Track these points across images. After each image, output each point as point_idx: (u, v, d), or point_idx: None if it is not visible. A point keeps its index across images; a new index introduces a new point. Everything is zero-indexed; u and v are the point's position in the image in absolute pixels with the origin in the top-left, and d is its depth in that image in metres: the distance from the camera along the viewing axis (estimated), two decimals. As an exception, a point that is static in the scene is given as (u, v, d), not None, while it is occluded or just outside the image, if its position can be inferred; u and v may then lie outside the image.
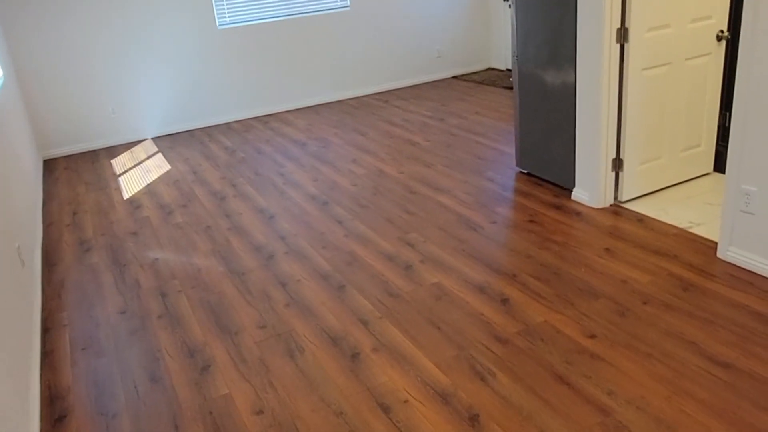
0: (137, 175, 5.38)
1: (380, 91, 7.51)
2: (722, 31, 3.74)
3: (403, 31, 7.39)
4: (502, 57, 7.86)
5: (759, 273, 2.90)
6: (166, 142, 6.29)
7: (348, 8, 7.03)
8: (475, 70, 8.02)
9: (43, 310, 3.35)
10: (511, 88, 6.90)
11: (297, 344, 2.79)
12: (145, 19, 6.16)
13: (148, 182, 5.15)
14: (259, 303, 3.16)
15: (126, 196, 4.90)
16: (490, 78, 7.51)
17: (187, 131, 6.64)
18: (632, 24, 3.42)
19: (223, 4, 6.44)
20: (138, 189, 5.02)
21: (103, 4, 5.96)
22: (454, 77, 7.85)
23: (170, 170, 5.40)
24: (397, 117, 6.30)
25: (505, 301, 2.92)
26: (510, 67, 7.78)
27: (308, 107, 7.13)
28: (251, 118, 6.89)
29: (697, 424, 2.09)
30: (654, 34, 3.51)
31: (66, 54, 5.95)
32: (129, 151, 6.15)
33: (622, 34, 3.46)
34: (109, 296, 3.40)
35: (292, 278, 3.36)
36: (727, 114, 3.99)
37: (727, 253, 3.03)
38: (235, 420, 2.37)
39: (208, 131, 6.55)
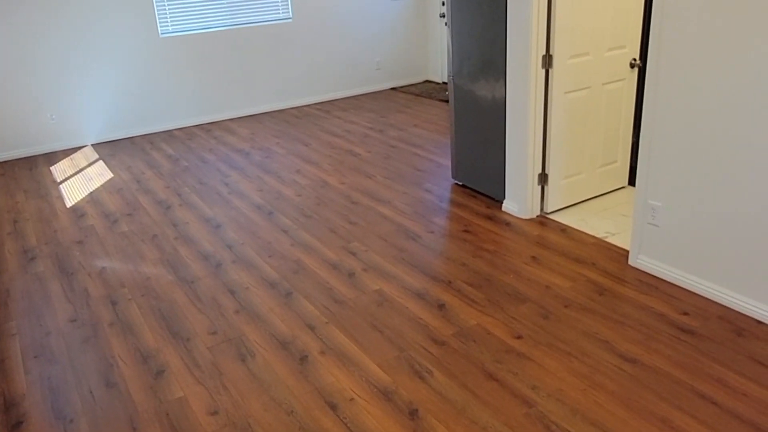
0: (79, 182, 5.39)
1: (321, 101, 7.71)
2: (635, 59, 4.13)
3: (343, 43, 7.61)
4: (438, 70, 8.19)
5: (664, 278, 3.26)
6: (107, 149, 6.29)
7: (290, 20, 7.20)
8: (412, 82, 8.32)
9: (-10, 319, 3.39)
10: (447, 101, 7.23)
11: (248, 349, 2.96)
12: (87, 24, 6.15)
13: (91, 190, 5.18)
14: (210, 310, 3.31)
15: (68, 204, 4.92)
16: (428, 90, 7.83)
17: (128, 138, 6.65)
18: (556, 52, 3.75)
19: (165, 13, 6.50)
20: (80, 197, 5.04)
21: (43, 7, 5.93)
22: (393, 89, 8.12)
23: (113, 178, 5.44)
24: (339, 128, 6.52)
25: (441, 306, 3.18)
26: (446, 81, 8.12)
27: (251, 116, 7.25)
28: (194, 126, 6.95)
29: (608, 413, 2.40)
30: (575, 60, 3.86)
31: (2, 57, 5.88)
32: (69, 158, 6.12)
33: (547, 61, 3.79)
34: (58, 305, 3.47)
35: (240, 286, 3.53)
36: (639, 133, 4.39)
37: (637, 260, 3.39)
38: (191, 420, 2.52)
39: (150, 139, 6.58)
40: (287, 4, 7.14)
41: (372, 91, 8.06)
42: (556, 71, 3.80)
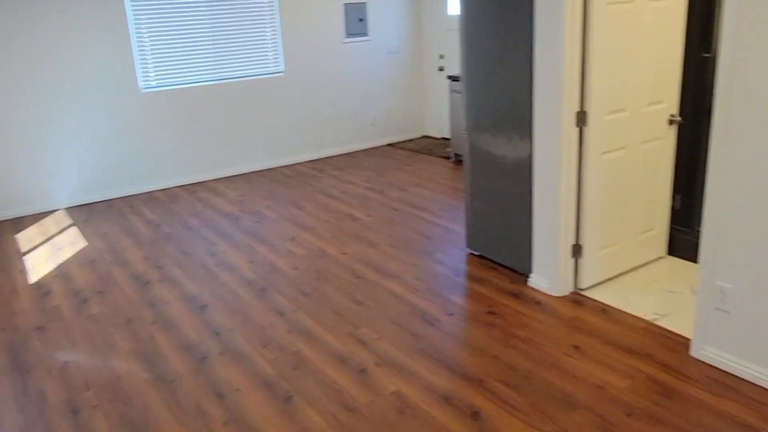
0: (46, 253, 4.80)
1: (315, 158, 7.24)
2: (673, 115, 3.70)
3: (337, 98, 7.20)
4: (438, 125, 7.79)
5: (739, 376, 2.73)
6: (82, 214, 5.73)
7: (282, 74, 6.79)
8: (410, 138, 7.91)
9: None
10: (449, 157, 6.79)
11: (240, 478, 2.36)
12: (61, 76, 5.68)
13: (60, 262, 4.59)
14: (192, 420, 2.71)
15: (32, 279, 4.33)
16: (427, 146, 7.40)
17: (105, 201, 6.10)
18: (591, 107, 3.31)
19: (147, 65, 6.05)
20: (47, 271, 4.45)
21: (16, 57, 5.46)
22: (389, 145, 7.69)
23: (85, 248, 4.86)
24: (335, 188, 6.03)
25: (475, 414, 2.62)
26: (446, 136, 7.72)
27: (239, 175, 6.74)
28: (177, 187, 6.43)
29: None
30: (611, 117, 3.41)
31: (-33, 117, 5.36)
32: (38, 223, 5.54)
33: (582, 118, 3.34)
34: (6, 413, 2.85)
35: (230, 387, 2.94)
36: (678, 197, 3.94)
37: (703, 352, 2.86)
38: None
39: (129, 201, 6.04)
40: (279, 57, 6.74)
41: (368, 147, 7.62)
42: (591, 129, 3.35)
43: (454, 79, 6.35)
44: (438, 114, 7.74)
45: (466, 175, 4.15)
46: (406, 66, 7.64)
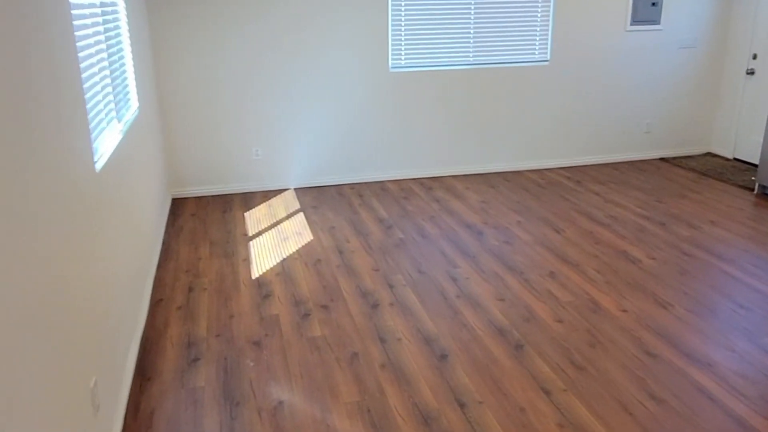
0: (272, 241, 4.36)
1: (569, 165, 6.14)
2: None
3: (608, 96, 6.00)
4: (729, 141, 6.23)
5: None
6: (311, 199, 5.28)
7: (546, 63, 5.76)
8: (689, 154, 6.45)
9: (112, 473, 2.30)
10: (752, 189, 5.28)
11: None
12: (310, 53, 5.23)
13: (284, 256, 4.11)
14: None
15: (255, 273, 3.87)
16: (715, 168, 5.92)
17: (335, 186, 5.62)
18: None
19: (400, 44, 5.39)
20: (270, 266, 3.98)
21: (266, 37, 5.10)
22: (662, 159, 6.32)
23: (312, 242, 4.34)
24: (598, 209, 4.91)
25: None
26: (739, 157, 6.14)
27: (479, 175, 5.89)
28: (410, 180, 5.76)
29: None
30: None
31: (215, 86, 5.12)
32: (267, 203, 5.19)
33: None
34: (206, 468, 2.28)
35: None
36: None
37: None
38: None
39: (359, 190, 5.48)
40: (546, 42, 5.72)
41: (635, 159, 6.33)
42: None
43: (779, 88, 4.85)
44: (732, 128, 6.19)
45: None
46: (701, 65, 6.17)
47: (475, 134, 5.80)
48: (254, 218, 4.84)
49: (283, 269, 3.93)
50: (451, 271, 3.85)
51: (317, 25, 5.18)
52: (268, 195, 5.40)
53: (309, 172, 5.56)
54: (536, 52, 5.74)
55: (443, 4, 5.36)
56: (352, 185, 5.63)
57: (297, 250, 4.21)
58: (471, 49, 5.57)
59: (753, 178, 5.48)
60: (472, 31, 5.50)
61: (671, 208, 4.90)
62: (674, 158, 6.31)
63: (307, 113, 5.38)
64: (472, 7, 5.43)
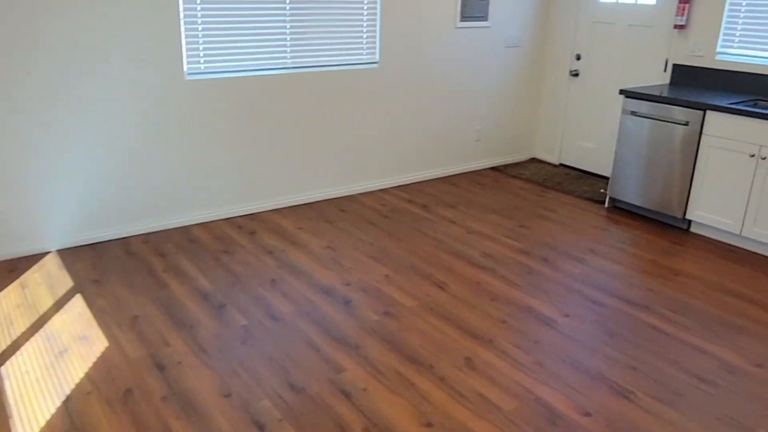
0: (39, 362, 2.77)
1: (403, 183, 5.28)
2: None
3: (439, 101, 5.25)
4: (554, 147, 5.93)
5: None
6: (87, 266, 3.66)
7: (376, 65, 4.79)
8: (515, 161, 6.02)
9: None
10: (602, 201, 4.94)
11: None
12: (70, 60, 3.57)
13: (68, 392, 2.57)
14: None
15: (21, 438, 2.31)
16: (551, 177, 5.52)
17: (119, 240, 4.03)
18: None
19: (197, 45, 3.98)
20: (46, 417, 2.43)
21: (2, 40, 3.33)
22: (493, 169, 5.79)
23: (108, 354, 2.84)
24: (467, 245, 4.11)
25: None
26: (565, 162, 5.87)
27: (305, 205, 4.74)
28: (222, 221, 4.39)
29: None
30: None
31: None
32: (18, 281, 3.46)
33: None
34: None
35: None
36: None
37: None
38: None
39: (156, 244, 3.98)
40: (374, 43, 4.74)
41: (467, 170, 5.70)
42: None
43: (630, 95, 4.50)
44: (558, 132, 5.88)
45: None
46: (526, 66, 5.73)
47: (297, 154, 4.63)
48: (1, 313, 3.12)
49: (72, 421, 2.41)
50: (336, 380, 2.70)
51: (85, 24, 3.54)
52: (16, 266, 3.64)
53: (79, 224, 3.89)
54: (364, 53, 4.72)
55: (250, 4, 4.07)
56: (145, 237, 4.09)
57: (87, 375, 2.69)
58: (288, 50, 4.35)
59: (603, 190, 5.16)
60: (288, 29, 4.29)
61: (539, 235, 4.30)
62: (504, 167, 5.83)
63: (72, 141, 3.71)
64: (287, 6, 4.22)
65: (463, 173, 5.64)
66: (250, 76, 4.24)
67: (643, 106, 4.45)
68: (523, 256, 3.98)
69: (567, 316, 3.27)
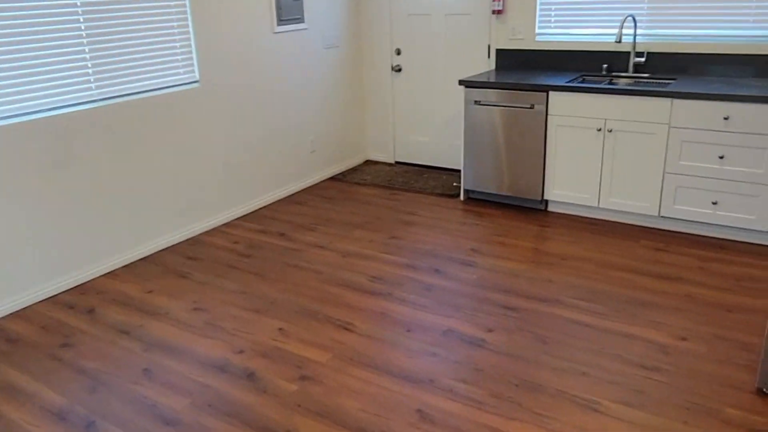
0: None
1: (248, 212, 4.70)
2: None
3: (268, 115, 4.73)
4: (388, 145, 5.74)
5: None
6: None
7: (197, 84, 4.13)
8: (351, 166, 5.72)
9: None
10: (456, 195, 4.84)
11: None
12: None
13: None
14: None
15: None
16: (393, 178, 5.31)
17: None
18: None
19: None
20: None
21: None
22: (333, 179, 5.42)
23: None
24: (350, 271, 3.71)
25: None
26: (401, 160, 5.70)
27: (144, 260, 3.96)
28: (44, 302, 3.46)
29: None
30: None
31: None
32: None
33: None
34: None
35: None
36: None
37: None
38: None
39: (-40, 356, 2.99)
40: (191, 60, 4.07)
41: (310, 185, 5.26)
42: None
43: (470, 84, 4.42)
44: (388, 130, 5.69)
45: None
46: (347, 66, 5.42)
47: (121, 200, 3.82)
48: None
49: None
50: (286, 485, 2.16)
51: None
52: None
53: None
54: (181, 72, 4.04)
55: (36, 27, 3.19)
56: (-63, 351, 3.04)
57: None
58: (92, 79, 3.53)
59: (455, 183, 5.06)
60: (87, 53, 3.47)
61: (414, 244, 4.05)
62: (342, 174, 5.49)
63: None
64: (83, 26, 3.40)
65: (305, 189, 5.19)
66: (47, 117, 3.36)
67: (487, 95, 4.40)
68: (411, 271, 3.69)
69: (491, 330, 3.05)
